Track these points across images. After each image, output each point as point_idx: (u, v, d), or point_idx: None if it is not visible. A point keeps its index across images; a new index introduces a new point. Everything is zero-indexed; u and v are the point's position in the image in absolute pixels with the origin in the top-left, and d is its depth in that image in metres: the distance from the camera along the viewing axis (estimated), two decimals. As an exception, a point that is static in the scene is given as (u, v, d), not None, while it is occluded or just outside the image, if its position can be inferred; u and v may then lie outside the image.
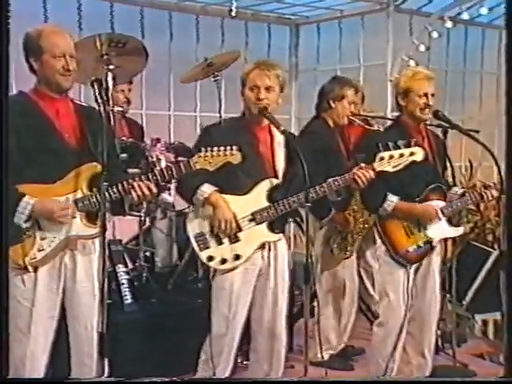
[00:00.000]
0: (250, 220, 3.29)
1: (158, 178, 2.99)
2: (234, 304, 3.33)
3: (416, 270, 3.77)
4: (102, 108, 2.87)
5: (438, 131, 3.88)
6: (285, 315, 3.44)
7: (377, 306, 3.93)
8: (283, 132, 3.30)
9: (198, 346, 3.47)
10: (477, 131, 3.92)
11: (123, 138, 4.36)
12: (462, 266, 4.31)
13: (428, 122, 3.87)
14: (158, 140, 4.39)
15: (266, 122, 3.38)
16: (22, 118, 2.87)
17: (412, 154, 3.36)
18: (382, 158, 3.36)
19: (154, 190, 2.98)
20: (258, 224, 3.29)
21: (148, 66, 4.38)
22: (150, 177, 2.97)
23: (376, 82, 6.09)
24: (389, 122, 4.05)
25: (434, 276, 3.82)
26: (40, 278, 2.92)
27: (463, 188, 3.95)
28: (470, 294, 5.03)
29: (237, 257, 3.29)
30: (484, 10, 6.02)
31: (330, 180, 3.30)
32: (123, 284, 4.09)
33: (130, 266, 4.41)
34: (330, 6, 6.40)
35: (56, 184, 2.91)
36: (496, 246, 5.40)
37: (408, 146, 3.35)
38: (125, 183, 2.93)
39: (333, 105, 4.29)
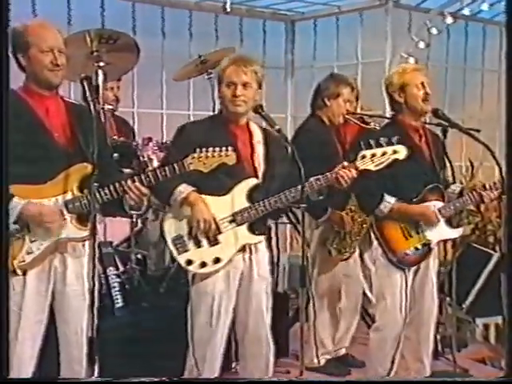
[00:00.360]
0: (231, 221, 3.27)
1: (151, 179, 2.99)
2: (216, 309, 3.30)
3: (414, 273, 3.77)
4: (92, 106, 2.87)
5: (438, 130, 3.89)
6: (270, 319, 3.42)
7: (374, 310, 3.93)
8: (279, 131, 3.30)
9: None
10: (478, 130, 3.92)
11: (114, 137, 4.36)
12: (462, 269, 4.31)
13: (427, 121, 3.88)
14: (150, 139, 4.38)
15: (244, 119, 3.38)
16: (11, 116, 2.87)
17: (395, 152, 3.35)
18: (363, 157, 3.35)
19: (145, 191, 2.98)
20: (238, 225, 3.27)
21: (140, 63, 4.39)
22: (143, 178, 2.97)
23: (374, 80, 6.09)
24: (385, 121, 4.04)
25: (432, 279, 3.83)
26: (29, 281, 2.92)
27: (460, 185, 3.95)
28: (471, 297, 5.04)
29: (217, 260, 3.26)
30: (485, 6, 6.04)
31: (312, 179, 3.29)
32: (114, 287, 4.09)
33: (121, 268, 4.39)
34: (327, 1, 6.41)
35: (46, 185, 2.91)
36: (497, 248, 5.42)
37: (391, 143, 3.35)
38: (116, 184, 2.93)
39: (328, 103, 4.31)
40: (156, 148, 4.35)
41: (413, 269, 3.75)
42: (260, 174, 3.36)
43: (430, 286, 3.83)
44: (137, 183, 2.96)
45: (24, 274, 2.90)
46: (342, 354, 4.47)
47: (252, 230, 3.31)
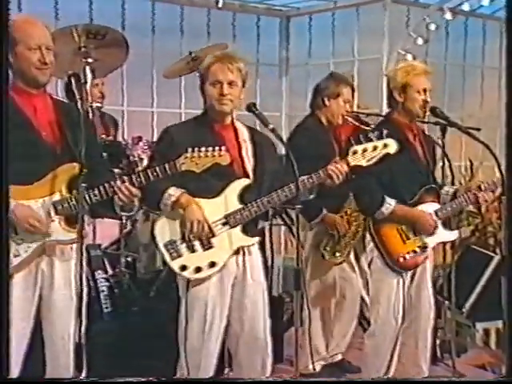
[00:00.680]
0: (224, 224, 3.26)
1: (142, 179, 2.98)
2: (209, 315, 3.28)
3: (411, 278, 3.78)
4: (79, 104, 2.87)
5: (436, 129, 3.90)
6: (268, 325, 3.40)
7: (368, 315, 3.94)
8: (272, 130, 3.30)
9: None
10: (477, 129, 3.93)
11: (102, 136, 4.36)
12: (461, 272, 4.32)
13: (426, 120, 3.90)
14: (140, 138, 4.38)
15: (229, 118, 3.37)
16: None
17: (386, 145, 3.35)
18: (354, 152, 3.35)
19: (135, 192, 2.96)
20: (231, 227, 3.26)
21: (129, 59, 4.38)
22: (134, 178, 2.96)
23: (371, 77, 6.12)
24: (379, 119, 4.05)
25: (429, 283, 3.85)
26: (15, 285, 2.89)
27: (454, 186, 3.97)
28: (471, 300, 5.05)
29: (212, 264, 3.24)
30: (485, 1, 6.04)
31: (304, 178, 3.28)
32: (103, 291, 4.09)
33: (110, 272, 4.40)
34: (322, -4, 6.44)
35: (33, 185, 2.89)
36: (498, 251, 5.43)
37: (380, 137, 3.36)
38: (106, 185, 2.92)
39: (327, 103, 4.31)
40: (146, 147, 4.35)
41: (409, 273, 3.76)
42: (250, 174, 3.36)
43: (427, 291, 3.84)
44: (127, 184, 2.95)
45: (10, 277, 2.89)
46: (337, 360, 4.47)
47: (246, 231, 3.31)
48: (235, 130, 3.39)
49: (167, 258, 3.25)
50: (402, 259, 3.69)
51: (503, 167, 3.24)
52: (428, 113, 3.75)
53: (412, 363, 3.87)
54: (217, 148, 2.99)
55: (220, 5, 5.74)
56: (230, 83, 3.28)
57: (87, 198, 2.88)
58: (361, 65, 6.43)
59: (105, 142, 4.28)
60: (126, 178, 2.96)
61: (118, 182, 2.94)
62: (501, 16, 6.17)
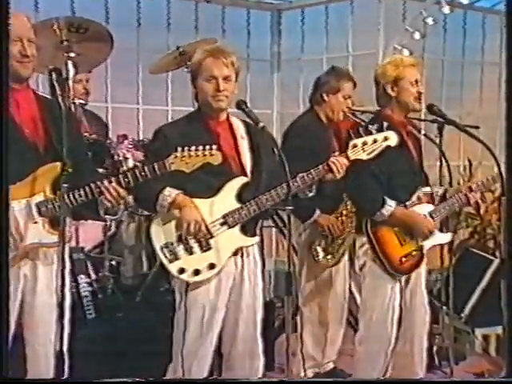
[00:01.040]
0: (222, 224, 3.27)
1: (130, 179, 2.97)
2: (207, 319, 3.30)
3: (406, 283, 3.79)
4: (61, 101, 2.86)
5: (433, 127, 3.91)
6: (259, 326, 3.43)
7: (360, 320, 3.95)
8: (263, 128, 3.30)
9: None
10: (476, 127, 3.94)
11: (85, 134, 4.35)
12: (460, 275, 4.32)
13: (422, 118, 3.91)
14: (125, 136, 4.38)
15: (224, 115, 3.38)
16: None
17: (386, 138, 3.38)
18: (354, 146, 3.37)
19: (123, 193, 2.96)
20: (230, 227, 3.27)
21: (113, 54, 4.38)
22: (121, 178, 2.96)
23: (366, 73, 6.11)
24: (371, 116, 4.05)
25: (423, 287, 3.87)
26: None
27: (442, 186, 3.98)
28: (470, 305, 5.06)
29: (211, 266, 3.26)
30: (485, -6, 6.09)
31: (304, 174, 3.31)
32: (86, 297, 4.08)
33: (94, 276, 4.39)
34: (315, -11, 6.45)
35: (15, 185, 2.85)
36: (498, 253, 5.44)
37: (380, 130, 3.37)
38: (92, 185, 2.91)
39: (326, 98, 4.31)
40: (131, 146, 4.35)
41: (404, 278, 3.77)
42: (248, 172, 3.37)
43: (422, 296, 3.86)
44: (114, 184, 2.94)
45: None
46: (330, 368, 4.47)
47: (245, 231, 3.32)
48: (231, 127, 3.41)
49: (164, 261, 3.26)
50: (399, 263, 3.71)
51: (503, 167, 3.25)
52: (423, 105, 3.77)
53: (408, 371, 3.88)
54: (207, 147, 3.00)
55: (209, -2, 5.75)
56: (225, 78, 3.29)
57: (72, 198, 2.87)
58: (355, 60, 6.44)
59: (88, 141, 4.27)
60: (113, 178, 2.96)
61: (105, 183, 2.93)
62: (501, 9, 6.19)
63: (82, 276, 4.16)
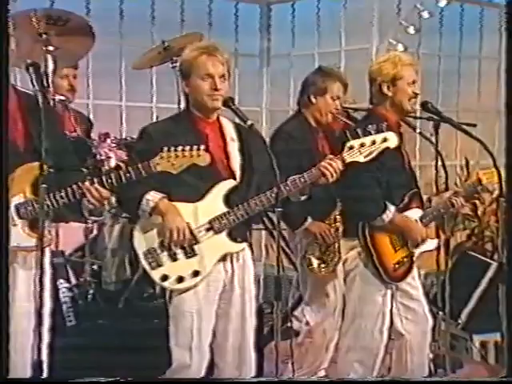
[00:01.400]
0: (208, 229, 3.26)
1: (113, 180, 2.97)
2: (196, 329, 3.29)
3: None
4: (40, 97, 2.84)
5: (429, 125, 3.92)
6: (250, 335, 3.43)
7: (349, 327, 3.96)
8: (251, 126, 3.29)
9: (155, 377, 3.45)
10: (473, 125, 3.96)
11: (67, 133, 4.33)
12: (457, 280, 4.33)
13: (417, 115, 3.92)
14: (108, 135, 4.37)
15: (215, 116, 3.38)
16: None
17: (385, 139, 3.35)
18: (351, 147, 3.34)
19: (106, 194, 2.96)
20: (216, 233, 3.27)
21: (95, 48, 4.37)
22: (104, 179, 2.95)
23: (359, 69, 6.12)
24: (363, 114, 4.06)
25: (422, 300, 3.91)
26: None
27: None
28: (467, 311, 5.07)
29: (195, 273, 3.25)
30: (483, -14, 6.11)
31: (296, 177, 3.30)
32: (65, 303, 4.07)
33: (74, 281, 4.38)
34: (306, -18, 6.46)
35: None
36: (496, 257, 5.46)
37: (379, 131, 3.36)
38: (74, 186, 2.91)
39: (314, 100, 4.30)
40: (114, 145, 4.34)
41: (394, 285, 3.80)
42: (237, 175, 3.37)
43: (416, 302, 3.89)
44: (97, 185, 2.94)
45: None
46: (321, 375, 4.47)
47: (232, 237, 3.31)
48: (221, 128, 3.41)
49: (147, 267, 3.26)
50: (392, 269, 3.73)
51: (503, 166, 3.26)
52: (417, 107, 3.78)
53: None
54: (195, 147, 2.99)
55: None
56: (221, 77, 3.30)
57: (53, 200, 2.87)
58: (348, 56, 6.45)
59: (69, 139, 4.25)
60: (95, 178, 2.95)
61: (88, 183, 2.93)
62: (500, 2, 6.20)
63: (62, 281, 4.16)
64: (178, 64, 4.56)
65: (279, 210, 3.12)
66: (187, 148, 2.98)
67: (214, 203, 3.28)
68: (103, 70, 5.91)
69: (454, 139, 6.27)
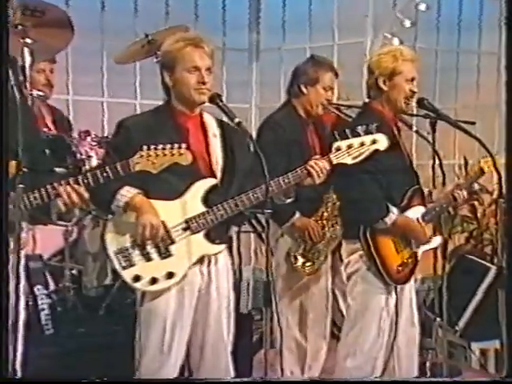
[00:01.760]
0: (185, 229, 3.25)
1: (90, 180, 2.95)
2: (169, 333, 3.27)
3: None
4: (16, 91, 2.83)
5: (426, 123, 3.92)
6: (231, 343, 3.42)
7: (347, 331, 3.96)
8: (239, 124, 3.28)
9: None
10: (472, 123, 3.96)
11: (45, 130, 4.32)
12: (454, 284, 4.34)
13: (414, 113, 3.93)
14: (88, 133, 4.38)
15: (197, 110, 3.37)
16: None
17: (374, 141, 3.35)
18: (338, 149, 3.34)
19: (86, 195, 2.94)
20: (194, 233, 3.25)
21: (74, 41, 4.36)
22: (80, 179, 2.94)
23: (353, 64, 6.13)
24: (358, 110, 4.06)
25: (412, 299, 3.90)
26: None
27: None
28: (465, 317, 5.07)
29: (170, 275, 3.23)
30: (482, -22, 6.12)
31: (279, 178, 3.29)
32: (43, 310, 4.05)
33: (53, 287, 4.36)
34: (298, -28, 6.46)
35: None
36: (496, 260, 5.47)
37: (369, 132, 3.36)
38: (49, 187, 2.89)
39: (304, 90, 4.32)
40: (95, 143, 4.35)
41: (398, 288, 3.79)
42: (218, 173, 3.36)
43: (409, 307, 3.87)
44: (74, 185, 2.92)
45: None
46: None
47: (210, 238, 3.30)
48: (203, 123, 3.40)
49: (118, 267, 3.24)
50: (396, 272, 3.74)
51: (503, 164, 3.26)
52: (413, 105, 3.78)
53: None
54: (176, 145, 2.98)
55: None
56: (208, 69, 3.30)
57: (27, 201, 2.84)
58: (341, 50, 6.45)
59: (47, 137, 4.24)
60: (71, 179, 2.93)
61: (64, 184, 2.91)
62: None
63: (40, 287, 4.13)
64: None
65: (268, 211, 3.12)
66: (168, 146, 2.97)
67: (192, 202, 3.27)
68: (83, 64, 5.90)
69: (452, 137, 6.28)
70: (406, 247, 3.79)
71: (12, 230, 2.84)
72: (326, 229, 4.25)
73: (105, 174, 2.96)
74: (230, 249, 3.57)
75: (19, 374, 2.72)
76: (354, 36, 6.31)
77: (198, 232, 3.27)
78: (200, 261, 3.31)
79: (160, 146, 2.97)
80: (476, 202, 4.05)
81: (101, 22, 6.02)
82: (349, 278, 3.82)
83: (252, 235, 5.86)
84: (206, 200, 3.28)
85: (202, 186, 3.29)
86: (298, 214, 4.19)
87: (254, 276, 6.07)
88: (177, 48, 3.32)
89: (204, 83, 3.28)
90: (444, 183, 3.99)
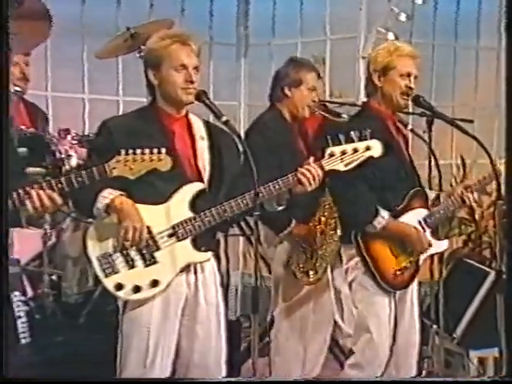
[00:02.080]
0: (170, 235, 3.24)
1: (64, 184, 2.94)
2: (152, 345, 3.25)
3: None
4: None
5: (422, 121, 3.92)
6: (221, 353, 3.41)
7: (349, 342, 3.95)
8: (226, 123, 3.27)
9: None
10: (470, 121, 3.97)
11: (22, 127, 4.30)
12: (452, 289, 4.35)
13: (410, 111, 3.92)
14: (68, 131, 4.36)
15: (183, 111, 3.37)
16: None
17: (368, 148, 3.36)
18: (332, 155, 3.35)
19: (59, 200, 2.94)
20: (180, 240, 3.24)
21: (53, 34, 4.36)
22: (54, 184, 2.93)
23: (346, 60, 6.14)
24: (356, 109, 4.07)
25: (414, 304, 3.91)
26: None
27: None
28: (463, 324, 5.08)
29: (154, 283, 3.22)
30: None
31: (269, 184, 3.28)
32: (20, 317, 4.03)
33: (31, 293, 4.35)
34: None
35: None
36: (495, 264, 5.48)
37: (363, 138, 3.35)
38: (20, 191, 2.88)
39: (288, 93, 4.33)
40: (75, 142, 4.34)
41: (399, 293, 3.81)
42: (205, 178, 3.35)
43: (409, 314, 3.91)
44: (46, 190, 2.91)
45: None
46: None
47: (197, 245, 3.29)
48: (189, 125, 3.40)
49: (100, 274, 3.22)
50: (392, 276, 3.76)
51: (503, 164, 3.26)
52: (410, 102, 3.78)
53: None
54: (155, 150, 2.97)
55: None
56: (195, 68, 3.30)
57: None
58: (334, 45, 6.45)
59: (25, 135, 4.22)
60: (44, 183, 2.92)
61: (36, 188, 2.90)
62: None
63: (17, 293, 4.12)
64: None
65: (257, 214, 3.11)
66: (147, 151, 2.96)
67: (178, 207, 3.26)
68: (63, 58, 5.87)
69: (449, 136, 6.30)
70: (404, 252, 3.79)
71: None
72: (326, 234, 4.23)
73: (80, 179, 2.95)
74: (217, 256, 3.56)
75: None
76: (347, 31, 6.30)
77: (185, 239, 3.26)
78: (186, 268, 3.31)
79: (138, 151, 2.95)
80: (474, 204, 4.03)
81: (81, 14, 5.98)
82: (350, 286, 3.82)
83: (241, 238, 5.84)
84: (193, 205, 3.28)
85: (189, 191, 3.28)
86: (294, 221, 4.17)
87: (242, 281, 6.07)
88: (163, 45, 3.31)
89: (192, 82, 3.27)
90: (440, 183, 3.99)
